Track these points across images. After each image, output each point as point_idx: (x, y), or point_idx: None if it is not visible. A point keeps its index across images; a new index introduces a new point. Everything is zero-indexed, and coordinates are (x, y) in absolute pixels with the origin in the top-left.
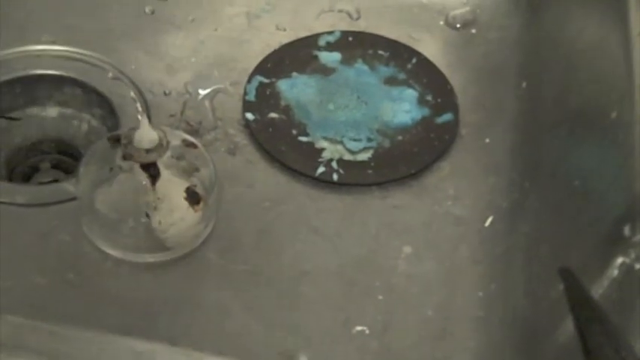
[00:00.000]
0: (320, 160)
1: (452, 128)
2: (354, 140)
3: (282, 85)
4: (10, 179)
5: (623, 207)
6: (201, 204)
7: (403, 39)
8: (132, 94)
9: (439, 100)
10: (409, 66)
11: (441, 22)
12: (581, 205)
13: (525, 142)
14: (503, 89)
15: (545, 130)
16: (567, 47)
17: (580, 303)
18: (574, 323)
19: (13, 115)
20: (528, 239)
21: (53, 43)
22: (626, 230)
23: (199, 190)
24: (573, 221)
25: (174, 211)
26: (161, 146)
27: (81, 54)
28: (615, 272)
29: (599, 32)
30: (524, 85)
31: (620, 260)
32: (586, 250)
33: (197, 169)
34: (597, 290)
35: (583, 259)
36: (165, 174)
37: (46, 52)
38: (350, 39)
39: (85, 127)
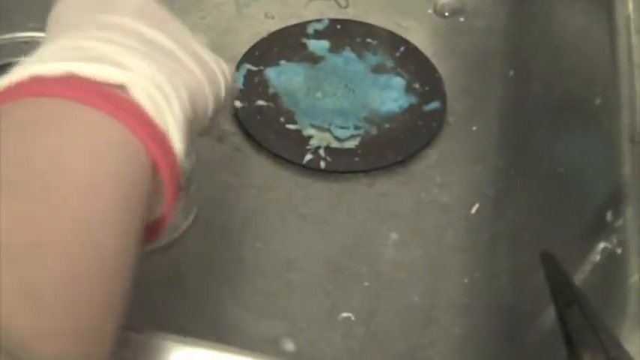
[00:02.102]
0: (307, 147)
1: (439, 116)
2: (342, 128)
3: (271, 72)
4: None
5: (606, 193)
6: (180, 194)
7: (391, 27)
8: None
9: (427, 88)
10: (397, 54)
11: (430, 11)
12: (566, 192)
13: (512, 129)
14: (491, 77)
15: (531, 117)
16: (554, 35)
17: (560, 287)
18: (554, 307)
19: None
20: (513, 226)
21: (40, 30)
22: (609, 216)
23: None
24: (557, 208)
25: None
26: None
27: None
28: (598, 257)
29: (584, 20)
30: (511, 73)
31: (602, 245)
32: (570, 236)
33: None
34: (580, 275)
35: (567, 244)
36: None
37: (33, 38)
38: (338, 27)
39: None
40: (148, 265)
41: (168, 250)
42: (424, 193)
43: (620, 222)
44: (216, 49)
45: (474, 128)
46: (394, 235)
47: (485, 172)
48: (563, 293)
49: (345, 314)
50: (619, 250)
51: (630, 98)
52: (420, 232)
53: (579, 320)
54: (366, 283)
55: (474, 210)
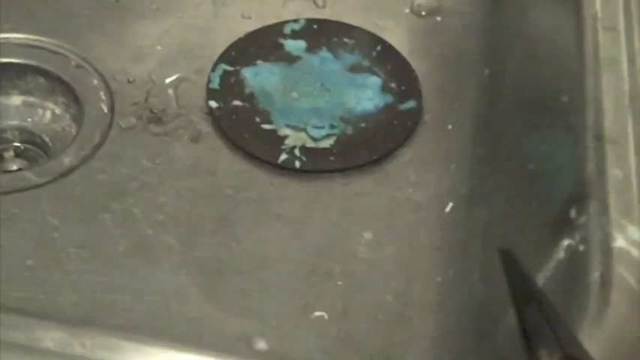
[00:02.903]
0: (283, 147)
1: (415, 115)
2: (317, 127)
3: (247, 73)
4: None
5: (571, 190)
6: None
7: (368, 27)
8: (95, 82)
9: (403, 87)
10: (374, 53)
11: (407, 10)
12: (534, 189)
13: (486, 128)
14: (467, 76)
15: (504, 115)
16: (526, 34)
17: (517, 283)
18: (512, 304)
19: None
20: (485, 224)
21: (15, 31)
22: (573, 213)
23: None
24: (526, 205)
25: None
26: None
27: (44, 42)
28: (562, 254)
29: (554, 19)
30: (486, 72)
31: (566, 242)
32: (537, 234)
33: None
34: (545, 273)
35: (533, 242)
36: None
37: (8, 40)
38: (315, 27)
39: (48, 115)
40: (120, 263)
41: (142, 248)
42: (399, 192)
43: (583, 219)
44: (193, 49)
45: (450, 127)
46: (368, 234)
47: (459, 171)
48: (522, 290)
49: (318, 313)
50: (582, 247)
51: (596, 95)
52: (393, 231)
53: (537, 317)
54: (340, 282)
55: (448, 209)
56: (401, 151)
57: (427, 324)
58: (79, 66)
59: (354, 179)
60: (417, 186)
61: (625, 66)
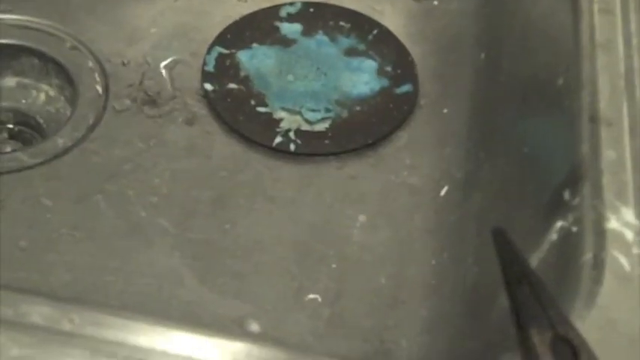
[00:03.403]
0: (278, 130)
1: (411, 99)
2: (313, 111)
3: (242, 55)
4: None
5: (565, 171)
6: None
7: (365, 10)
8: (90, 63)
9: (399, 71)
10: (370, 37)
11: None
12: (529, 172)
13: (482, 112)
14: (463, 60)
15: (500, 99)
16: (522, 17)
17: (510, 262)
18: (504, 283)
19: None
20: (480, 208)
21: (10, 12)
22: (567, 194)
23: None
24: (521, 187)
25: None
26: None
27: (39, 23)
28: (555, 236)
29: (550, 2)
30: (482, 55)
31: (559, 224)
32: (531, 215)
33: None
34: (539, 254)
35: (528, 223)
36: None
37: (3, 21)
38: (311, 10)
39: (42, 97)
40: (114, 245)
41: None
42: (394, 175)
43: (576, 200)
44: (188, 31)
45: (445, 111)
46: (362, 218)
47: (454, 155)
48: (514, 270)
49: (311, 296)
50: (574, 229)
51: (591, 77)
52: (388, 214)
53: (528, 297)
54: (334, 265)
55: (443, 192)
56: (396, 135)
57: (421, 307)
58: (73, 47)
59: (349, 163)
60: (412, 169)
61: (621, 48)
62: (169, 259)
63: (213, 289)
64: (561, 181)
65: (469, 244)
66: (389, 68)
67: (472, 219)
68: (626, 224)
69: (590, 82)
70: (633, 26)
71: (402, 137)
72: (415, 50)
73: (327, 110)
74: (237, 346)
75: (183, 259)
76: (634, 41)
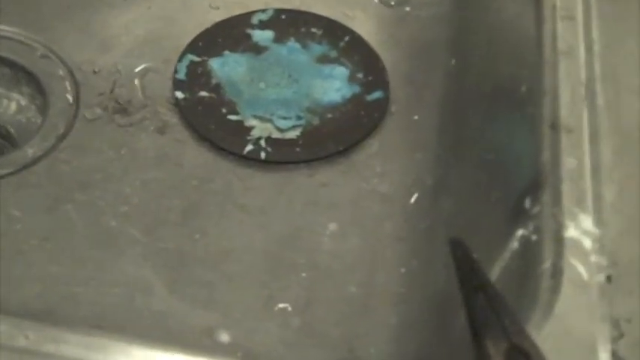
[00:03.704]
0: (249, 138)
1: (382, 106)
2: (284, 118)
3: (214, 63)
4: None
5: (527, 179)
6: None
7: (338, 17)
8: (61, 72)
9: (370, 77)
10: (342, 44)
11: (376, 0)
12: (494, 179)
13: (451, 118)
14: (434, 66)
15: (468, 105)
16: (490, 24)
17: (466, 272)
18: (461, 293)
19: None
20: (449, 214)
21: None
22: (527, 202)
23: None
24: (486, 195)
25: None
26: None
27: (9, 32)
28: (516, 244)
29: (516, 9)
30: (453, 62)
31: (520, 232)
32: (494, 223)
33: None
34: (500, 263)
35: (491, 232)
36: None
37: None
38: (283, 17)
39: (13, 106)
40: (83, 255)
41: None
42: (364, 183)
43: (537, 208)
44: (160, 39)
45: (416, 117)
46: (333, 226)
47: (425, 161)
48: (470, 280)
49: (281, 305)
50: (534, 237)
51: (553, 85)
52: (358, 222)
53: (484, 307)
54: (304, 274)
55: (413, 199)
56: (367, 142)
57: (391, 315)
58: (44, 56)
59: (319, 170)
60: (382, 177)
61: (582, 55)
62: (140, 268)
63: (183, 298)
64: (523, 189)
65: (438, 251)
66: (360, 75)
67: (441, 226)
68: (585, 232)
69: (551, 90)
70: (595, 33)
71: (373, 144)
72: (387, 57)
73: (299, 118)
74: None
75: (154, 269)
76: (595, 48)
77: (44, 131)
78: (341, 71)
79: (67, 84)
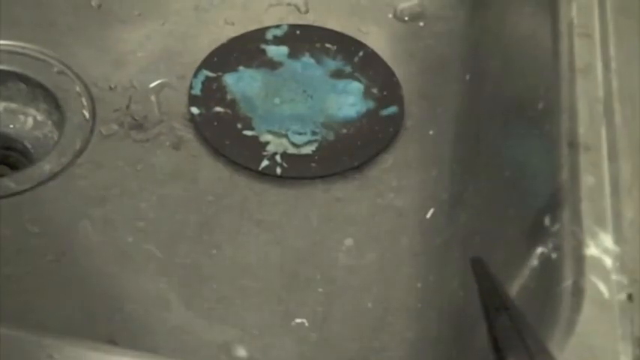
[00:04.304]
0: (264, 153)
1: (397, 121)
2: (299, 134)
3: (229, 79)
4: None
5: (546, 197)
6: None
7: (351, 32)
8: (77, 88)
9: (385, 92)
10: (356, 59)
11: (390, 15)
12: (510, 196)
13: (466, 133)
14: (449, 81)
15: (484, 121)
16: (505, 40)
17: (488, 292)
18: (483, 312)
19: None
20: (465, 231)
21: None
22: (547, 220)
23: None
24: (503, 212)
25: None
26: None
27: (25, 48)
28: (535, 262)
29: (531, 24)
30: (467, 77)
31: (540, 250)
32: (512, 241)
33: None
34: (519, 281)
35: (509, 249)
36: None
37: None
38: (298, 32)
39: (30, 121)
40: (100, 271)
41: (122, 256)
42: (380, 198)
43: (556, 226)
44: (175, 55)
45: (431, 132)
46: (349, 241)
47: (440, 177)
48: (492, 299)
49: (298, 320)
50: (554, 255)
51: (570, 102)
52: (374, 237)
53: (507, 327)
54: (320, 289)
55: (429, 214)
56: (382, 157)
57: (407, 330)
58: (60, 72)
59: (335, 185)
60: (398, 192)
61: (599, 72)
62: (156, 284)
63: (199, 314)
64: (542, 207)
65: (454, 266)
66: (375, 90)
67: (458, 241)
68: (605, 250)
69: (569, 107)
70: (612, 50)
71: (389, 159)
72: (401, 72)
73: (314, 133)
74: None
75: (170, 284)
76: (613, 65)
77: (60, 147)
78: (355, 86)
79: (83, 100)
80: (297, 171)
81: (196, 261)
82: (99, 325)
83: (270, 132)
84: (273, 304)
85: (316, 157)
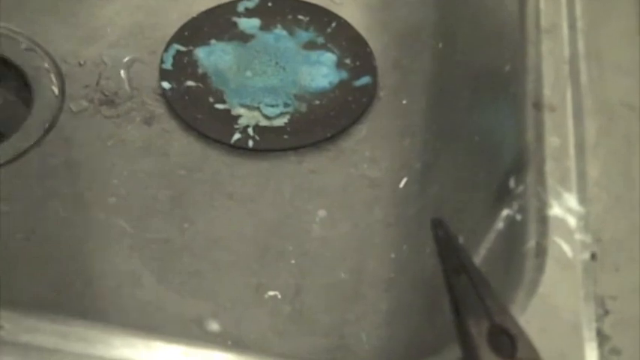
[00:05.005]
0: (236, 126)
1: (370, 91)
2: (271, 106)
3: (200, 52)
4: None
5: (511, 159)
6: None
7: (324, 3)
8: (46, 65)
9: (358, 63)
10: (329, 30)
11: None
12: (480, 161)
13: (439, 102)
14: (421, 50)
15: (455, 88)
16: (474, 5)
17: (448, 253)
18: (442, 273)
19: None
20: (438, 198)
21: None
22: (512, 182)
23: None
24: (473, 177)
25: None
26: None
27: None
28: (501, 225)
29: None
30: (440, 45)
31: (505, 212)
32: (481, 205)
33: None
34: (486, 244)
35: (478, 213)
36: None
37: None
38: (269, 4)
39: None
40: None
41: (93, 232)
42: (353, 168)
43: (521, 188)
44: (146, 30)
45: (404, 102)
46: (322, 212)
47: (413, 146)
48: (452, 260)
49: (271, 293)
50: (519, 217)
51: (536, 63)
52: (348, 208)
53: (466, 288)
54: (293, 261)
55: (402, 184)
56: (356, 128)
57: (381, 300)
58: (29, 49)
59: (308, 157)
60: (371, 162)
61: (565, 33)
62: (128, 259)
63: (171, 288)
64: (508, 169)
65: (427, 235)
66: (348, 61)
67: (430, 210)
68: (569, 210)
69: (534, 68)
70: (578, 10)
71: (362, 130)
72: (374, 42)
73: (286, 105)
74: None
75: (142, 260)
76: (579, 25)
77: (30, 124)
78: (328, 57)
79: (53, 76)
80: (269, 143)
81: (168, 236)
82: (70, 301)
83: (242, 105)
84: (246, 277)
85: (289, 129)
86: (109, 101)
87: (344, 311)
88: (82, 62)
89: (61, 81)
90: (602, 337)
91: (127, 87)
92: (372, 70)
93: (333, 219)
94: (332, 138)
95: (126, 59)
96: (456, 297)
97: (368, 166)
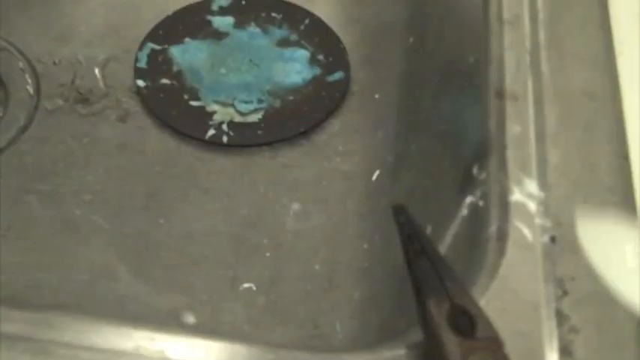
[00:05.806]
0: (211, 123)
1: (343, 86)
2: (245, 102)
3: (175, 51)
4: None
5: (474, 147)
6: None
7: (297, 0)
8: (20, 64)
9: (331, 59)
10: (302, 27)
11: None
12: (446, 150)
13: (410, 95)
14: (393, 45)
15: (424, 81)
16: (443, 0)
17: (409, 238)
18: (404, 257)
19: None
20: (409, 188)
21: None
22: (475, 170)
23: None
24: (439, 166)
25: None
26: None
27: None
28: (465, 212)
29: None
30: (411, 40)
31: (469, 199)
32: (447, 193)
33: None
34: (452, 231)
35: (444, 201)
36: None
37: None
38: (243, 3)
39: None
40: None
41: (69, 226)
42: (326, 162)
43: (483, 175)
44: (120, 28)
45: (377, 96)
46: (296, 205)
47: (386, 139)
48: (413, 243)
49: (246, 285)
50: (481, 203)
51: (498, 53)
52: (321, 201)
53: (427, 270)
54: (268, 254)
55: (374, 177)
56: (329, 122)
57: (354, 290)
58: (3, 49)
59: (281, 152)
60: (344, 156)
61: (527, 24)
62: (104, 255)
63: (148, 282)
64: (471, 157)
65: None
66: (321, 57)
67: (402, 201)
68: (530, 195)
69: (497, 58)
70: (539, 2)
71: (335, 124)
72: (347, 37)
73: (260, 101)
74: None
75: (118, 255)
76: (540, 17)
77: (5, 123)
78: (302, 54)
79: (27, 76)
80: (243, 139)
81: (144, 231)
82: (46, 297)
83: (216, 102)
84: (222, 270)
85: (263, 125)
86: (84, 99)
87: (318, 302)
88: (56, 61)
89: (36, 80)
90: (561, 317)
91: (102, 85)
92: (344, 66)
93: (307, 212)
94: (305, 133)
95: (101, 58)
96: (417, 279)
97: (341, 160)
